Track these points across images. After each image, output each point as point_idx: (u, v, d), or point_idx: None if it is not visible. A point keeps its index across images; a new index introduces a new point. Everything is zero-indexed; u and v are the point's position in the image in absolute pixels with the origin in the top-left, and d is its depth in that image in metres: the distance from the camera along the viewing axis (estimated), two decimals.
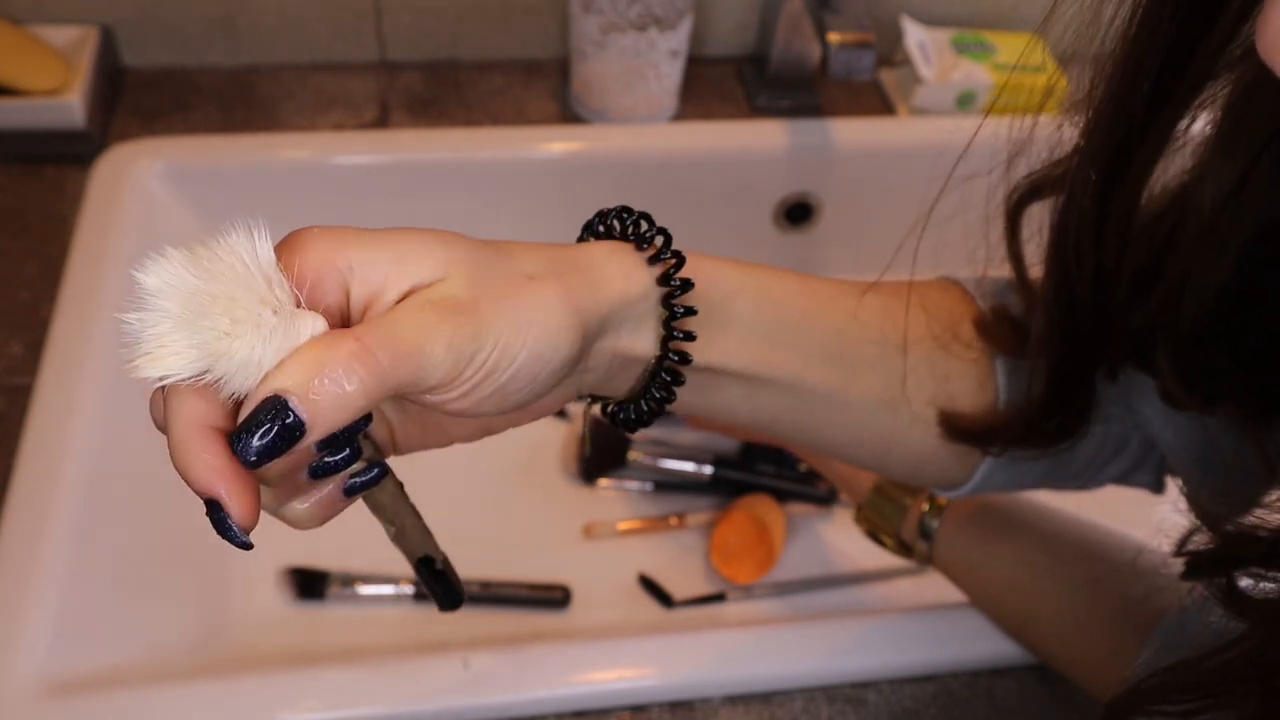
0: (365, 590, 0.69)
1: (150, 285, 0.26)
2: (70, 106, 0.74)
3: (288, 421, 0.25)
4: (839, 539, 0.77)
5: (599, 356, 0.34)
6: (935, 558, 0.59)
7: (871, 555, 0.74)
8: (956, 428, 0.44)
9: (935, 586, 0.62)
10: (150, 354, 0.25)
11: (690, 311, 0.34)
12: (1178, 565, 0.35)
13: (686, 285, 0.34)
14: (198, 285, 0.26)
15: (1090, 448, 0.47)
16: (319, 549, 0.70)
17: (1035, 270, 0.43)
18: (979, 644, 0.58)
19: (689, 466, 0.78)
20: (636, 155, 0.82)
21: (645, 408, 0.36)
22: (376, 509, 0.34)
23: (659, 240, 0.34)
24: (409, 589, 0.70)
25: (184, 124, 0.80)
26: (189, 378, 0.26)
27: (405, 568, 0.73)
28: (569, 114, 0.85)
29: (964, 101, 0.87)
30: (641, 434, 0.79)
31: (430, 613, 0.70)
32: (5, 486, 0.57)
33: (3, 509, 0.56)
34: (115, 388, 0.63)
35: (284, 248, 0.28)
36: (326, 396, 0.26)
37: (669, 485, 0.78)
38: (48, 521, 0.56)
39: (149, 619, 0.61)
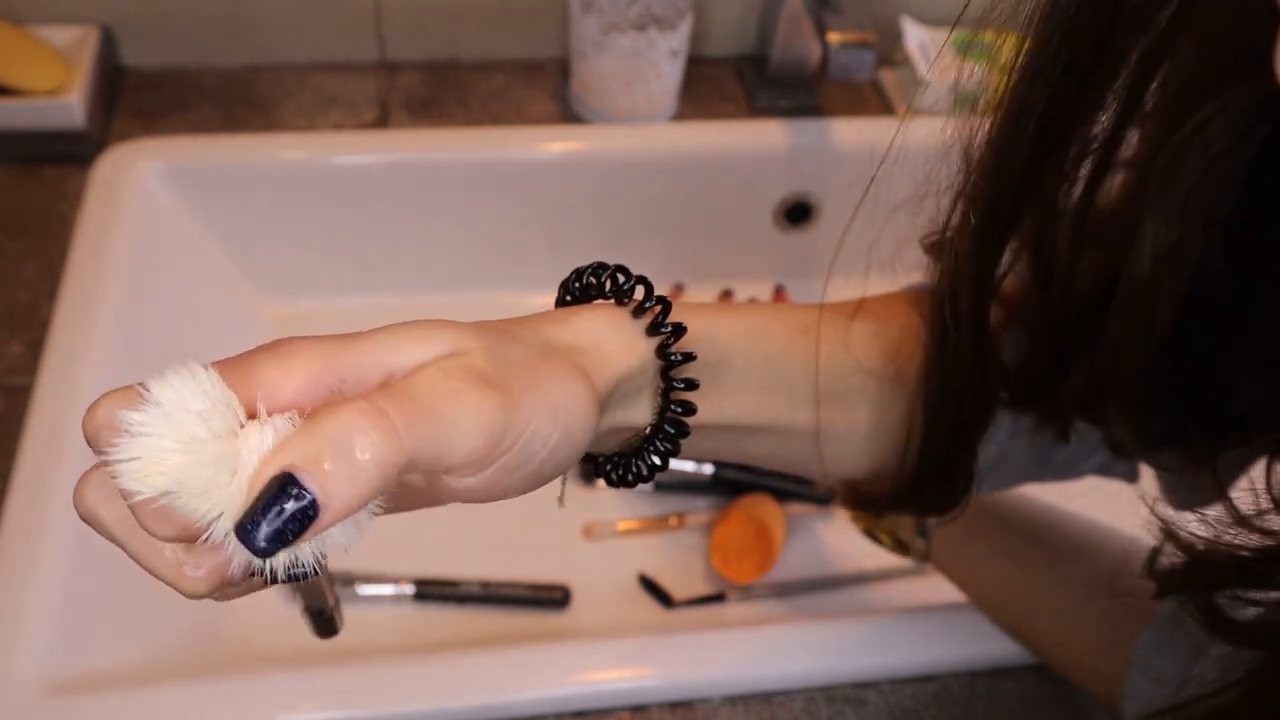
0: (365, 590, 0.69)
1: (163, 399, 0.23)
2: (70, 106, 0.74)
3: (301, 502, 0.22)
4: (839, 539, 0.77)
5: (603, 429, 0.32)
6: (933, 555, 0.59)
7: (871, 555, 0.74)
8: (853, 495, 0.44)
9: (935, 586, 0.62)
10: (142, 465, 0.23)
11: (692, 385, 0.33)
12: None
13: (688, 358, 0.33)
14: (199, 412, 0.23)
15: (1072, 442, 0.46)
16: None
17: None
18: (979, 644, 0.58)
19: (689, 466, 0.78)
20: (636, 155, 0.82)
21: (637, 469, 0.34)
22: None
23: (656, 308, 0.33)
24: (409, 589, 0.70)
25: (184, 124, 0.80)
26: (156, 498, 0.23)
27: (405, 568, 0.73)
28: (569, 114, 0.85)
29: (964, 102, 0.87)
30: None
31: (430, 613, 0.70)
32: (5, 486, 0.57)
33: (2, 509, 0.56)
34: (114, 387, 0.63)
35: (266, 363, 0.25)
36: (339, 468, 0.23)
37: (669, 485, 0.78)
38: (47, 521, 0.56)
39: (149, 619, 0.61)
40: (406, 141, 0.80)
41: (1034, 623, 0.55)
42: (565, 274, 0.35)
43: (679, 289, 0.89)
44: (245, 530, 0.23)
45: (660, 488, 0.78)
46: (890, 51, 0.92)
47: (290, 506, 0.22)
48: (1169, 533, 0.33)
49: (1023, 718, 0.57)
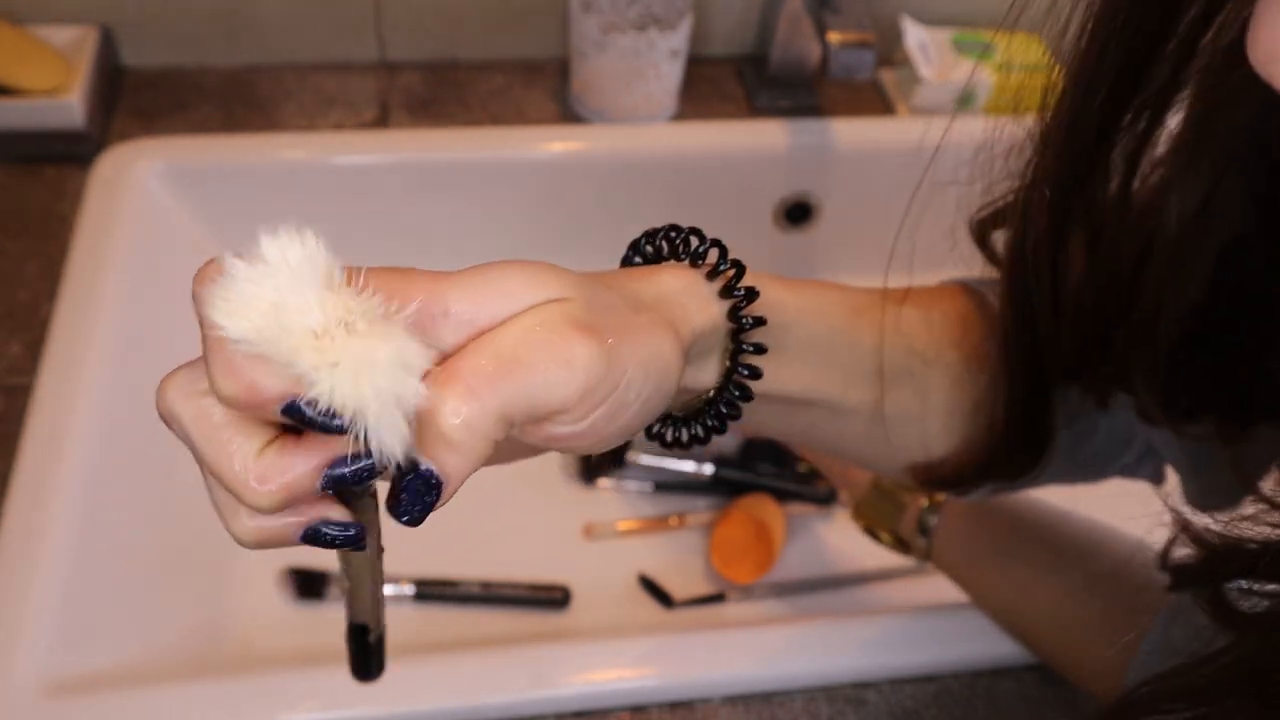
0: None
1: (271, 257, 0.23)
2: (70, 106, 0.74)
3: (425, 478, 0.24)
4: (839, 539, 0.77)
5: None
6: (934, 554, 0.59)
7: (871, 555, 0.74)
8: (928, 478, 0.44)
9: (935, 586, 0.62)
10: (234, 304, 0.23)
11: (760, 349, 0.34)
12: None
13: (758, 322, 0.33)
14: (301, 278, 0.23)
15: (1099, 441, 0.47)
16: (319, 549, 0.70)
17: None
18: (979, 644, 0.58)
19: (689, 466, 0.78)
20: (636, 155, 0.82)
21: (695, 433, 0.35)
22: (345, 560, 0.31)
23: (730, 271, 0.33)
24: (409, 589, 0.70)
25: (184, 124, 0.80)
26: (237, 340, 0.23)
27: (406, 568, 0.73)
28: (569, 114, 0.85)
29: (964, 101, 0.87)
30: (641, 434, 0.78)
31: (430, 613, 0.70)
32: (5, 486, 0.57)
33: (2, 509, 0.56)
34: (115, 387, 0.63)
35: (384, 277, 0.25)
36: (437, 444, 0.24)
37: (669, 485, 0.78)
38: (48, 521, 0.56)
39: (149, 619, 0.61)
40: (406, 141, 0.80)
41: (1035, 623, 0.55)
42: None
43: None
44: (390, 507, 0.24)
45: (660, 488, 0.78)
46: (890, 51, 0.92)
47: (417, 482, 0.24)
48: (1183, 524, 0.34)
49: (1023, 718, 0.57)
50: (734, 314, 0.33)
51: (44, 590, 0.54)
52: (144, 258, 0.71)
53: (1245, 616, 0.31)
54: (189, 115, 0.81)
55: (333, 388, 0.23)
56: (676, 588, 0.72)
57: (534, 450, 0.33)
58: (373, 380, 0.23)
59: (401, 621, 0.69)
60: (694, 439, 0.35)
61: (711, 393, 0.34)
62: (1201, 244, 0.35)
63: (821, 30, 0.73)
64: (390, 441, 0.23)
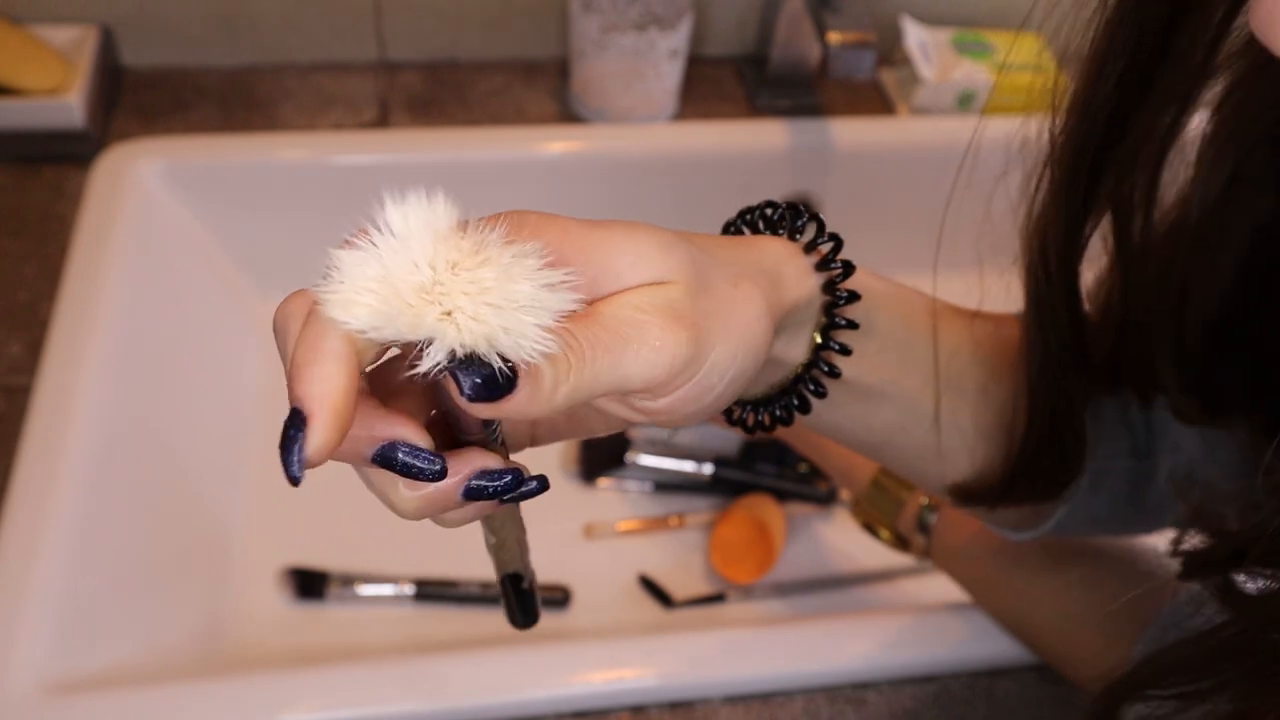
0: (365, 590, 0.69)
1: (398, 227, 0.24)
2: (70, 106, 0.74)
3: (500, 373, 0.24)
4: (839, 539, 0.77)
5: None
6: (933, 552, 0.59)
7: (872, 555, 0.74)
8: (962, 494, 0.43)
9: (935, 586, 0.62)
10: (347, 298, 0.24)
11: (852, 325, 0.34)
12: (1174, 564, 0.35)
13: (853, 297, 0.34)
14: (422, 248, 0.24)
15: (1161, 485, 0.46)
16: (319, 549, 0.70)
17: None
18: (979, 644, 0.58)
19: (689, 466, 0.78)
20: (636, 155, 0.82)
21: (777, 414, 0.35)
22: (487, 516, 0.32)
23: (826, 247, 0.34)
24: (409, 589, 0.70)
25: (183, 124, 0.80)
26: (366, 332, 0.24)
27: (405, 568, 0.73)
28: (569, 114, 0.85)
29: (964, 101, 0.87)
30: (640, 433, 0.79)
31: (430, 613, 0.70)
32: (5, 486, 0.57)
33: (2, 509, 0.56)
34: (115, 387, 0.63)
35: (505, 222, 0.28)
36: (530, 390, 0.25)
37: (669, 485, 0.78)
38: (47, 521, 0.56)
39: (149, 619, 0.61)
40: (406, 141, 0.80)
41: (1034, 621, 0.55)
42: None
43: None
44: (457, 375, 0.24)
45: (660, 488, 0.78)
46: (890, 51, 0.92)
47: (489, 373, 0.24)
48: (1197, 511, 0.34)
49: (1023, 718, 0.57)
50: (829, 287, 0.34)
51: (44, 590, 0.54)
52: (144, 257, 0.71)
53: (1253, 599, 0.31)
54: (189, 115, 0.81)
55: (457, 336, 0.23)
56: (676, 588, 0.72)
57: (609, 426, 0.34)
58: (492, 318, 0.24)
59: (401, 621, 0.69)
60: (776, 420, 0.35)
61: (800, 369, 0.34)
62: (1224, 233, 0.35)
63: (821, 30, 0.73)
64: (522, 350, 0.24)
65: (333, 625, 0.68)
